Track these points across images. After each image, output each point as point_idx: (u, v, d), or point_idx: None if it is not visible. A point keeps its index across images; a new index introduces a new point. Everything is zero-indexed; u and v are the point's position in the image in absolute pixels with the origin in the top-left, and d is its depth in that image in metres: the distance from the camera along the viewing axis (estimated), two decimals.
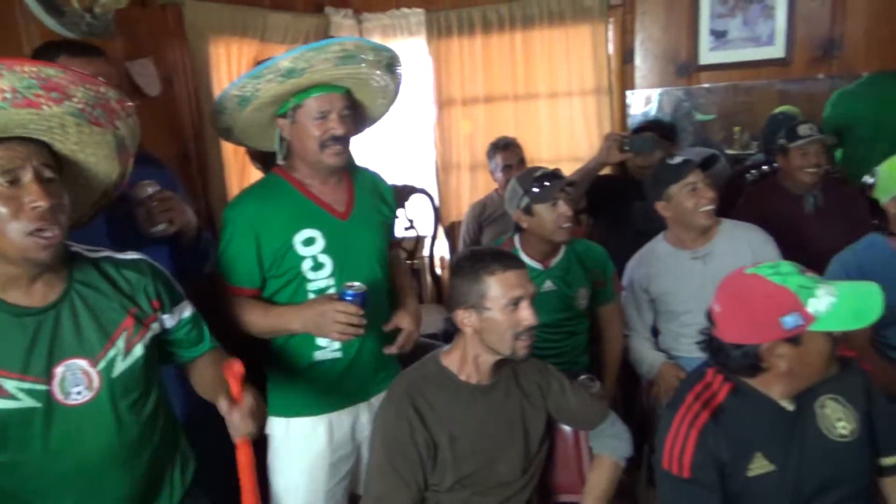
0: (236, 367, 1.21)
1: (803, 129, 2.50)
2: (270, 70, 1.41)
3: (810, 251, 2.17)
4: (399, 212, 2.90)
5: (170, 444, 1.28)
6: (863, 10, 2.84)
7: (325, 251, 1.53)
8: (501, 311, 1.36)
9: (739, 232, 2.14)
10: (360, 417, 1.66)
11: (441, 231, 3.51)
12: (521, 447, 1.48)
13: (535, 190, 1.99)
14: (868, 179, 2.00)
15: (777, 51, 2.96)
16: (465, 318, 1.39)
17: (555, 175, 2.03)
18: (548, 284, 2.08)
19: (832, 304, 1.16)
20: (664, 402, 1.89)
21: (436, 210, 3.44)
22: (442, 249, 3.57)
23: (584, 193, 2.49)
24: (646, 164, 2.74)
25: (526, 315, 1.36)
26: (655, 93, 3.21)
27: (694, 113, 3.20)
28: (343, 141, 1.50)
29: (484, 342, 1.40)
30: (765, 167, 2.75)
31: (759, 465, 1.25)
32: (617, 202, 2.73)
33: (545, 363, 1.59)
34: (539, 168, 2.07)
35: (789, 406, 1.28)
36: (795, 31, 2.93)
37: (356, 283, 1.44)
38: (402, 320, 1.62)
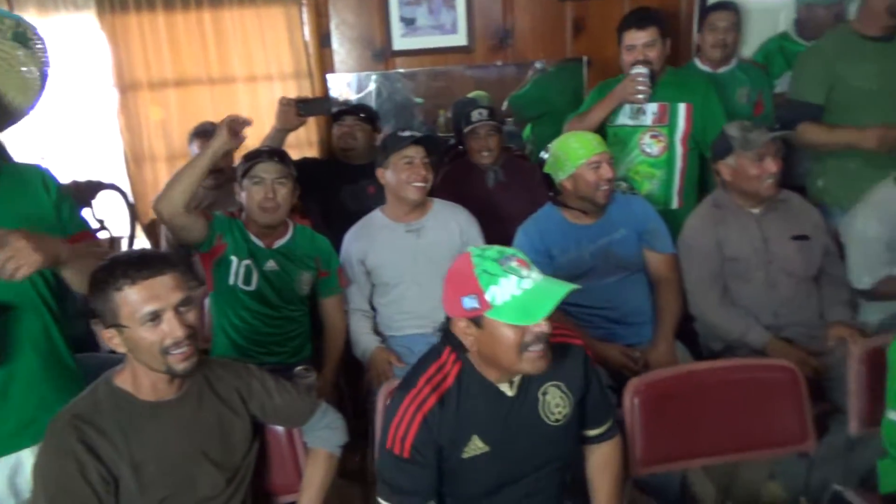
0: None
1: (475, 115, 2.77)
2: None
3: (499, 221, 2.46)
4: (86, 211, 2.56)
5: None
6: (526, 6, 3.18)
7: None
8: (140, 328, 1.21)
9: (449, 211, 2.33)
10: (23, 466, 1.39)
11: (140, 230, 3.15)
12: (222, 458, 1.37)
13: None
14: (543, 155, 2.26)
15: (460, 39, 3.18)
16: (112, 339, 1.23)
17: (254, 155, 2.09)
18: (270, 264, 2.12)
19: (510, 297, 1.20)
20: (376, 388, 1.94)
21: (130, 207, 3.08)
22: None
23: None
24: (349, 147, 2.78)
25: (170, 328, 1.21)
26: (355, 77, 3.25)
27: (411, 97, 3.31)
28: None
29: (139, 360, 1.26)
30: (461, 147, 2.97)
31: (474, 447, 1.31)
32: (326, 186, 2.73)
33: (246, 363, 1.50)
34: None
35: (509, 391, 1.34)
36: (474, 21, 3.17)
37: None
38: None
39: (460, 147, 2.99)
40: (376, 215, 2.30)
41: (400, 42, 3.18)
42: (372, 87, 3.28)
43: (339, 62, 3.21)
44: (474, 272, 1.22)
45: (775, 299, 2.17)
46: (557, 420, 1.36)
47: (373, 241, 2.25)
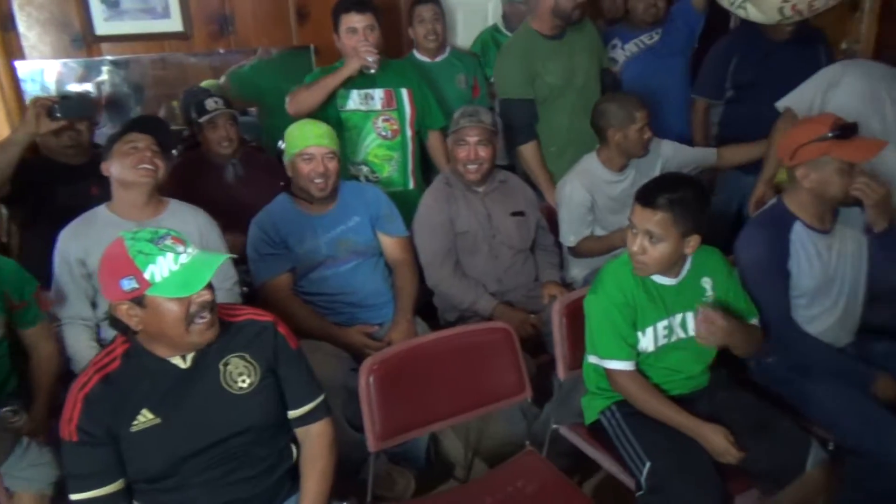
0: None
1: (210, 104, 2.61)
2: None
3: (243, 217, 2.31)
4: None
5: None
6: None
7: None
8: None
9: (189, 213, 2.10)
10: None
11: None
12: None
13: None
14: (281, 145, 2.20)
15: (175, 24, 2.97)
16: None
17: None
18: None
19: (169, 272, 1.25)
20: None
21: None
22: None
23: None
24: (73, 143, 2.41)
25: None
26: (56, 64, 2.86)
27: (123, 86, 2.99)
28: None
29: None
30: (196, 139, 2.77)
31: (144, 419, 1.31)
32: (39, 190, 2.36)
33: None
34: None
35: (182, 364, 1.35)
36: (189, 5, 2.98)
37: None
38: None
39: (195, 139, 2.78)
40: (101, 211, 2.01)
41: (104, 26, 2.87)
42: (105, 76, 2.93)
43: (30, 48, 2.81)
44: (129, 254, 1.25)
45: (499, 268, 2.39)
46: (242, 389, 1.39)
47: (96, 239, 1.91)
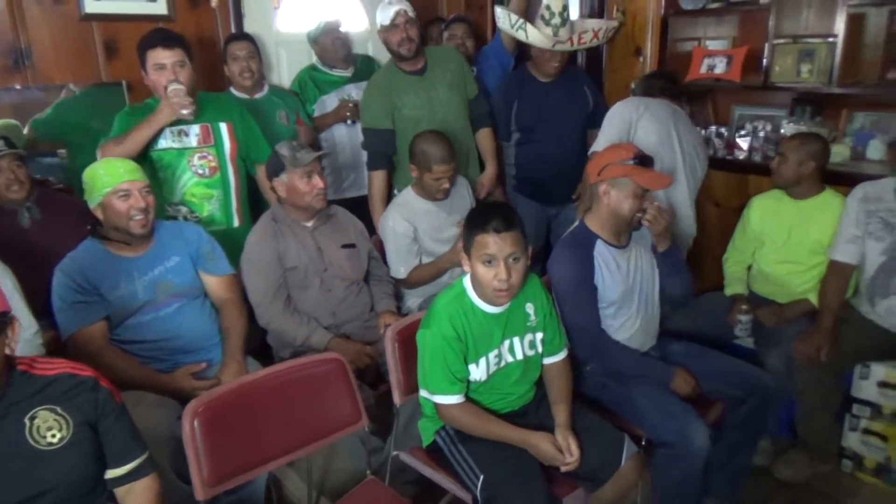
0: None
1: None
2: None
3: (43, 265, 2.11)
4: None
5: None
6: (42, 24, 2.85)
7: None
8: None
9: None
10: None
11: None
12: None
13: None
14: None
15: None
16: None
17: None
18: None
19: None
20: None
21: None
22: None
23: None
24: None
25: None
26: None
27: None
28: None
29: None
30: None
31: None
32: None
33: None
34: None
35: None
36: None
37: None
38: None
39: None
40: None
41: None
42: None
43: None
44: None
45: (332, 301, 2.39)
46: (52, 444, 1.31)
47: None
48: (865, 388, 2.43)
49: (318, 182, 2.31)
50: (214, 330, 2.20)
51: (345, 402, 1.80)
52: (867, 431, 2.45)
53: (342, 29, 3.27)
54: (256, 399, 1.67)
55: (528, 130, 3.08)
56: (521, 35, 2.97)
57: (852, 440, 2.49)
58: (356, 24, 2.80)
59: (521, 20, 2.95)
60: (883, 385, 2.38)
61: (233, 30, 3.21)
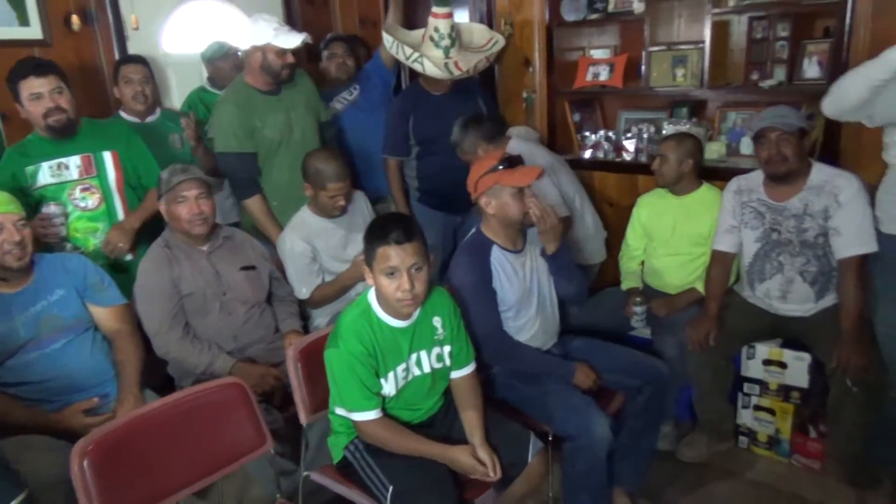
0: None
1: None
2: None
3: None
4: None
5: None
6: None
7: None
8: None
9: None
10: None
11: None
12: None
13: None
14: None
15: None
16: None
17: None
18: None
19: None
20: None
21: None
22: None
23: None
24: None
25: None
26: None
27: None
28: None
29: None
30: None
31: None
32: None
33: None
34: None
35: None
36: None
37: None
38: None
39: None
40: None
41: None
42: None
43: None
44: None
45: (233, 325, 2.33)
46: None
47: None
48: (753, 368, 2.60)
49: (194, 207, 2.22)
50: (107, 364, 2.11)
51: (247, 426, 1.76)
52: (758, 408, 2.63)
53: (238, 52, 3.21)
54: (153, 432, 1.61)
55: (428, 143, 3.12)
56: (417, 67, 3.00)
57: (746, 417, 2.67)
58: (244, 42, 2.72)
59: (416, 53, 2.95)
60: (767, 363, 2.56)
61: (116, 52, 3.09)
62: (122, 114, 2.88)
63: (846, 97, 2.17)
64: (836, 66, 2.53)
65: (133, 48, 3.14)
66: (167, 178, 2.23)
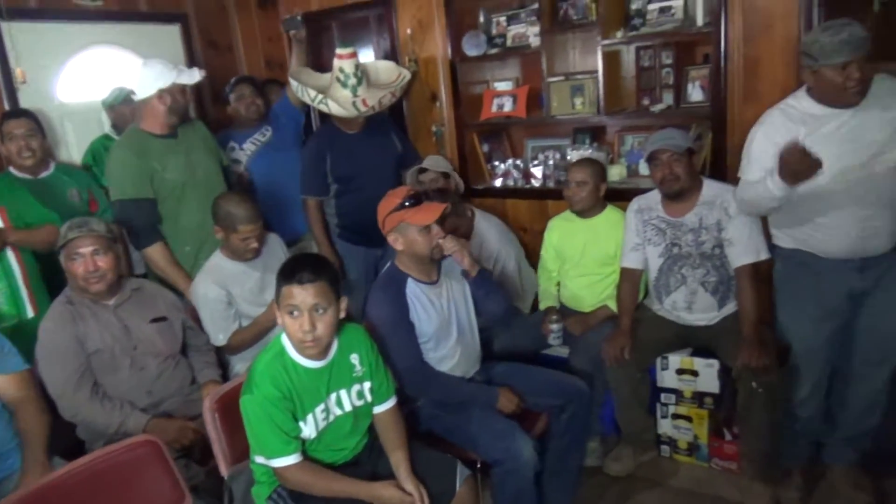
0: None
1: None
2: None
3: None
4: None
5: None
6: None
7: None
8: None
9: None
10: None
11: None
12: None
13: None
14: None
15: None
16: None
17: None
18: None
19: None
20: None
21: None
22: None
23: None
24: None
25: None
26: None
27: None
28: None
29: None
30: None
31: None
32: None
33: None
34: None
35: None
36: None
37: None
38: None
39: None
40: None
41: None
42: None
43: None
44: None
45: (146, 380, 2.24)
46: None
47: None
48: (667, 378, 2.71)
49: (90, 264, 2.14)
50: (9, 435, 1.98)
51: (164, 484, 1.69)
52: (676, 416, 2.73)
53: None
54: (63, 501, 1.53)
55: (346, 181, 3.13)
56: (323, 108, 3.03)
57: (665, 426, 2.77)
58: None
59: (321, 96, 2.99)
60: (680, 372, 2.68)
61: (6, 105, 2.96)
62: (12, 170, 2.74)
63: (759, 212, 2.31)
64: (717, 89, 2.73)
65: (25, 101, 3.02)
66: (64, 233, 2.15)
